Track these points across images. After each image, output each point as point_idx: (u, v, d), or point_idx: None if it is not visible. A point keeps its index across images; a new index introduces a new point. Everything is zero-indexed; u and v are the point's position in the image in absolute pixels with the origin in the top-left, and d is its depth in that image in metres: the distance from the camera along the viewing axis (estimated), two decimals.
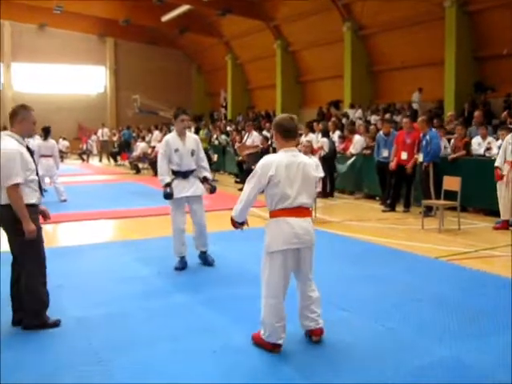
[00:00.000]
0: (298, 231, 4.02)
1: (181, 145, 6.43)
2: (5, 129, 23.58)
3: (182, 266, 6.47)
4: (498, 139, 10.50)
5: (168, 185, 6.31)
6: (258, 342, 4.12)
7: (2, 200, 4.39)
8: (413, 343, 4.23)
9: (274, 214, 4.09)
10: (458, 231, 8.75)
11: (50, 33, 32.42)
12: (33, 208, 4.47)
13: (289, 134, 4.13)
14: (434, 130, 10.66)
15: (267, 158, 4.12)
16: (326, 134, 13.82)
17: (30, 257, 4.46)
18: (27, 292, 4.45)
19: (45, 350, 4.15)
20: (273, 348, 4.04)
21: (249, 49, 27.93)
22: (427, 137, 10.16)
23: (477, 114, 12.26)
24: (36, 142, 12.41)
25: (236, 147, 15.68)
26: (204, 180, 6.54)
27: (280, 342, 4.04)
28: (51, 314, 4.60)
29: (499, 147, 9.48)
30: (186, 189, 6.41)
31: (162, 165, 6.43)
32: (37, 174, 4.58)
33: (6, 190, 4.31)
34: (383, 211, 10.83)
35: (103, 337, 4.36)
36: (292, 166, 4.04)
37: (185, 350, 4.10)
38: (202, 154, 6.70)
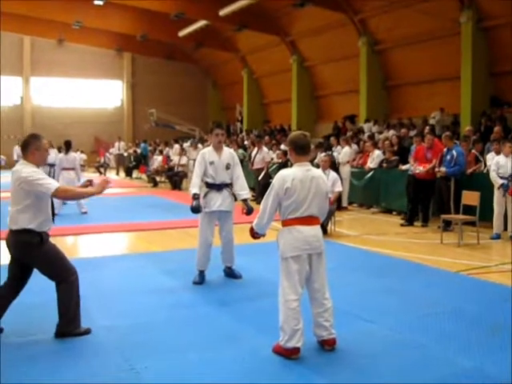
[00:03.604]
0: (309, 238, 4.28)
1: (216, 158, 6.45)
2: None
3: (201, 280, 6.46)
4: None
5: (195, 197, 6.29)
6: (277, 351, 4.26)
7: (13, 225, 4.44)
8: (436, 355, 4.29)
9: (285, 222, 4.36)
10: (477, 245, 8.79)
11: (69, 48, 32.93)
12: (42, 233, 4.50)
13: (302, 151, 4.41)
14: (458, 145, 10.72)
15: (283, 172, 4.39)
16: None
17: (55, 272, 4.58)
18: (59, 303, 4.59)
19: (78, 356, 4.27)
20: (291, 353, 4.17)
21: (265, 63, 28.17)
22: (453, 152, 10.24)
23: (497, 129, 12.29)
24: (59, 155, 13.42)
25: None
26: (243, 201, 6.51)
27: (299, 345, 4.18)
28: (82, 322, 4.71)
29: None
30: (219, 203, 6.40)
31: (195, 177, 6.44)
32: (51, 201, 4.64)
33: (55, 196, 4.42)
34: (402, 225, 10.89)
35: (133, 345, 4.47)
36: (306, 179, 4.31)
37: (212, 358, 4.21)
38: (239, 171, 6.61)
